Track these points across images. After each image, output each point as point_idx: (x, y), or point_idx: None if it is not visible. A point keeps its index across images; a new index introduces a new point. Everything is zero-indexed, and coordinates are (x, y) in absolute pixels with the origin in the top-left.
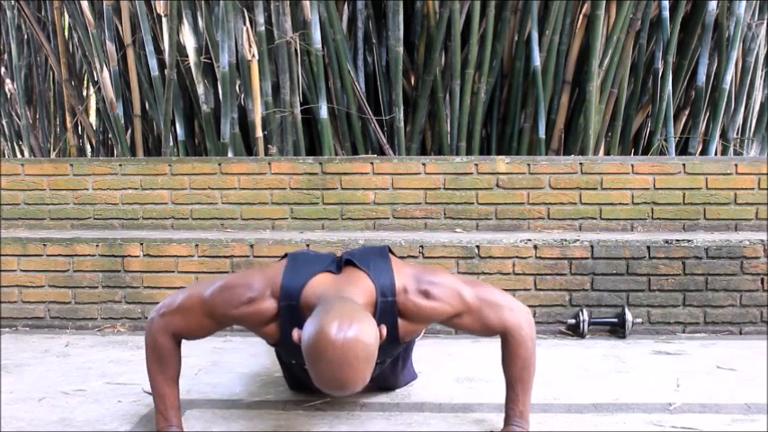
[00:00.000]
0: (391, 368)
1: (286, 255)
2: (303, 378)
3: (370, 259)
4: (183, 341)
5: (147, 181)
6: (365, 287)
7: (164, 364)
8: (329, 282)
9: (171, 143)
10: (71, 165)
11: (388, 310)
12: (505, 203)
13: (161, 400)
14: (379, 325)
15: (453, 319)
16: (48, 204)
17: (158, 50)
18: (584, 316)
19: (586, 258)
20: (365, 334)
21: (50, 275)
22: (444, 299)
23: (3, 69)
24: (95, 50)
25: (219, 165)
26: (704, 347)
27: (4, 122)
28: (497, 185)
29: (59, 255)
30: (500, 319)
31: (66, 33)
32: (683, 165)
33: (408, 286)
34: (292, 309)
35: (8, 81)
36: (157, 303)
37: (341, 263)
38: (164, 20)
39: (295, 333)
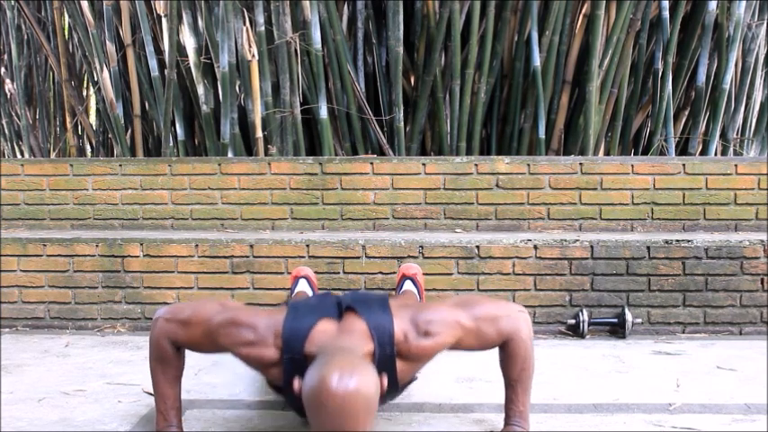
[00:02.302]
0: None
1: (287, 303)
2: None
3: (371, 308)
4: None
5: (147, 181)
6: (364, 336)
7: (165, 365)
8: (330, 332)
9: (171, 143)
10: (71, 165)
11: (386, 360)
12: (505, 203)
13: (162, 400)
14: (379, 374)
15: (455, 346)
16: (48, 204)
17: (158, 50)
18: (584, 316)
19: (586, 258)
20: (366, 385)
21: (50, 276)
22: (444, 332)
23: (3, 69)
24: (95, 50)
25: (219, 165)
26: (704, 347)
27: (4, 122)
28: (497, 185)
29: (59, 255)
30: (498, 331)
31: (66, 33)
32: (683, 165)
33: (408, 332)
34: (296, 362)
35: (8, 81)
36: (158, 304)
37: (341, 308)
38: (164, 20)
39: (296, 383)
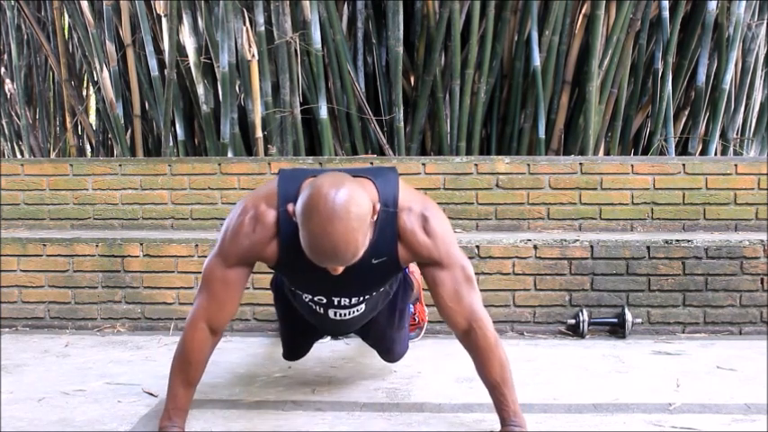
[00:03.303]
0: (388, 316)
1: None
2: (305, 314)
3: (378, 172)
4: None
5: (146, 181)
6: (369, 191)
7: (187, 364)
8: None
9: (171, 143)
10: (71, 165)
11: (389, 220)
12: (505, 203)
13: (172, 400)
14: (375, 231)
15: (432, 269)
16: (48, 204)
17: (158, 50)
18: (584, 316)
19: (586, 258)
20: (358, 194)
21: (50, 275)
22: (435, 238)
23: (3, 69)
24: (95, 50)
25: (219, 165)
26: (704, 347)
27: (3, 122)
28: (497, 185)
29: (59, 255)
30: (471, 301)
31: (66, 33)
32: (683, 165)
33: (413, 207)
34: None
35: (8, 81)
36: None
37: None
38: (164, 20)
39: (290, 206)
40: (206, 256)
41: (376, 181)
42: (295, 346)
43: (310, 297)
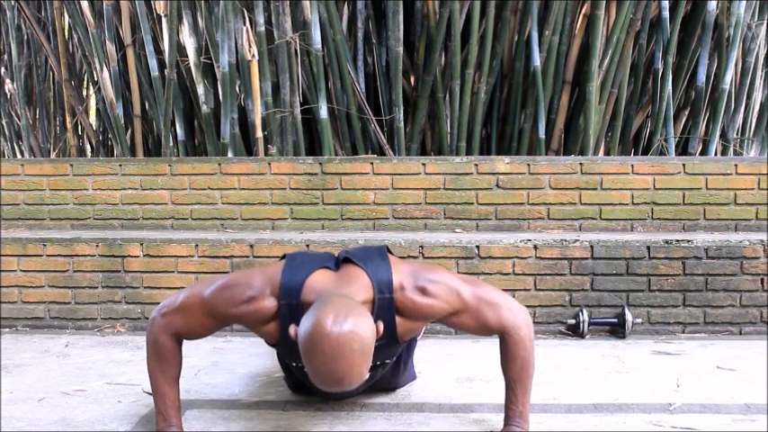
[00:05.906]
0: (392, 371)
1: (284, 256)
2: (303, 380)
3: (369, 257)
4: (184, 341)
5: (147, 181)
6: (363, 284)
7: (164, 363)
8: (328, 279)
9: (171, 143)
10: (71, 165)
11: (385, 306)
12: (505, 203)
13: (161, 400)
14: (376, 321)
15: (451, 318)
16: (48, 204)
17: (158, 50)
18: (584, 316)
19: (586, 258)
20: (361, 327)
21: (50, 275)
22: (441, 297)
23: (3, 69)
24: (95, 50)
25: (219, 165)
26: (704, 347)
27: (4, 122)
28: (497, 185)
29: (59, 255)
30: (498, 318)
31: (66, 33)
32: (683, 165)
33: (405, 283)
34: (292, 307)
35: (8, 81)
36: (157, 303)
37: (339, 261)
38: (164, 20)
39: (291, 329)
40: (206, 257)
41: (368, 269)
42: (299, 386)
43: None
